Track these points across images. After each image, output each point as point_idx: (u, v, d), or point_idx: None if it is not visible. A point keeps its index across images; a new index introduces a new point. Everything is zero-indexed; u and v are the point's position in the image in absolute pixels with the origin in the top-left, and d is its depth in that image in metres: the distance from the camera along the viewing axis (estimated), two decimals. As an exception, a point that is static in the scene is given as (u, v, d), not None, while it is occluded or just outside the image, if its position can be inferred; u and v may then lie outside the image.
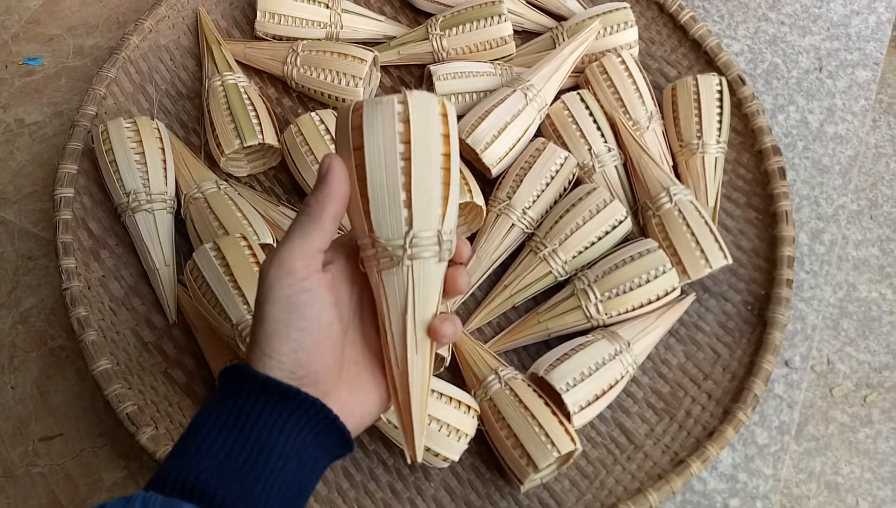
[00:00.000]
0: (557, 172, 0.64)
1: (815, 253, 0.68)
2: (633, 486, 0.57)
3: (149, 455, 0.55)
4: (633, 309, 0.59)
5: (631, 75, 0.68)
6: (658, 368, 0.62)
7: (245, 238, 0.58)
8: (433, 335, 0.40)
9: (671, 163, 0.68)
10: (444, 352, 0.59)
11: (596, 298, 0.59)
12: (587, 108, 0.67)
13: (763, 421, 0.61)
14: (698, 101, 0.67)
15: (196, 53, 0.75)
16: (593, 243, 0.61)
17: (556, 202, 0.65)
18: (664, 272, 0.59)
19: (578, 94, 0.68)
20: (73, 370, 0.63)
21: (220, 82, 0.68)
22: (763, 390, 0.59)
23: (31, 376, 0.63)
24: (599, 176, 0.66)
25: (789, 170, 0.71)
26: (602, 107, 0.68)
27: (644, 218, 0.64)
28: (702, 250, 0.60)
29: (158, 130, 0.66)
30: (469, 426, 0.55)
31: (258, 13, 0.71)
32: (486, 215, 0.64)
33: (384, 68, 0.75)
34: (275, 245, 0.62)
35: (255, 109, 0.67)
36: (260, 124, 0.66)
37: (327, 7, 0.72)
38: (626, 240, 0.63)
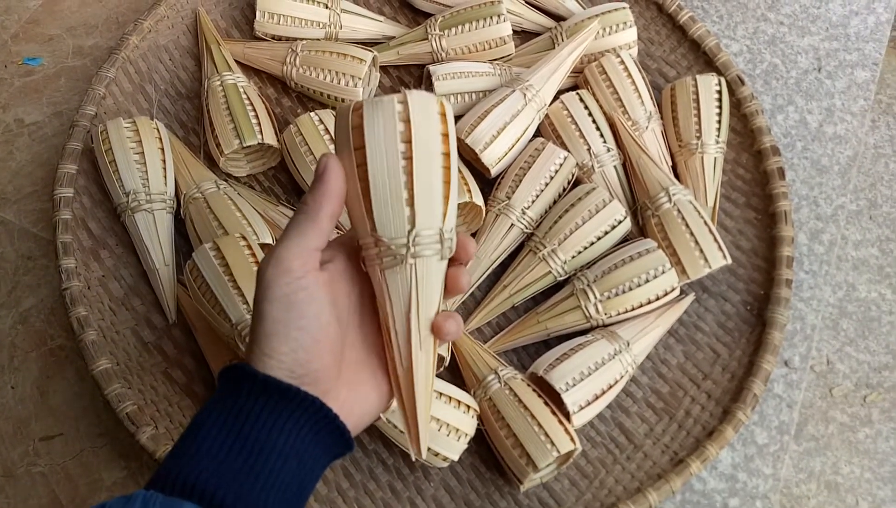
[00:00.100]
0: (556, 172, 0.64)
1: (814, 253, 0.68)
2: (633, 486, 0.57)
3: (149, 455, 0.55)
4: (633, 309, 0.59)
5: (630, 75, 0.68)
6: (657, 368, 0.62)
7: (244, 238, 0.59)
8: (437, 333, 0.40)
9: (670, 163, 0.68)
10: (444, 352, 0.59)
11: (595, 298, 0.59)
12: (586, 108, 0.67)
13: (762, 421, 0.61)
14: (697, 101, 0.67)
15: (195, 53, 0.75)
16: (592, 243, 0.61)
17: (555, 202, 0.65)
18: (663, 272, 0.59)
19: (577, 94, 0.68)
20: (72, 370, 0.63)
21: (219, 82, 0.68)
22: (762, 390, 0.59)
23: (31, 376, 0.63)
24: (598, 176, 0.66)
25: (788, 170, 0.71)
26: (601, 107, 0.68)
27: (643, 218, 0.64)
28: (701, 250, 0.60)
29: (158, 130, 0.66)
30: (469, 425, 0.55)
31: (257, 13, 0.72)
32: (486, 214, 0.64)
33: (383, 68, 0.75)
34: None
35: (254, 109, 0.67)
36: (259, 124, 0.66)
37: (326, 7, 0.72)
38: (625, 240, 0.63)
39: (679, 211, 0.62)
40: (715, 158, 0.67)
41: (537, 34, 0.75)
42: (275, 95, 0.74)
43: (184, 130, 0.71)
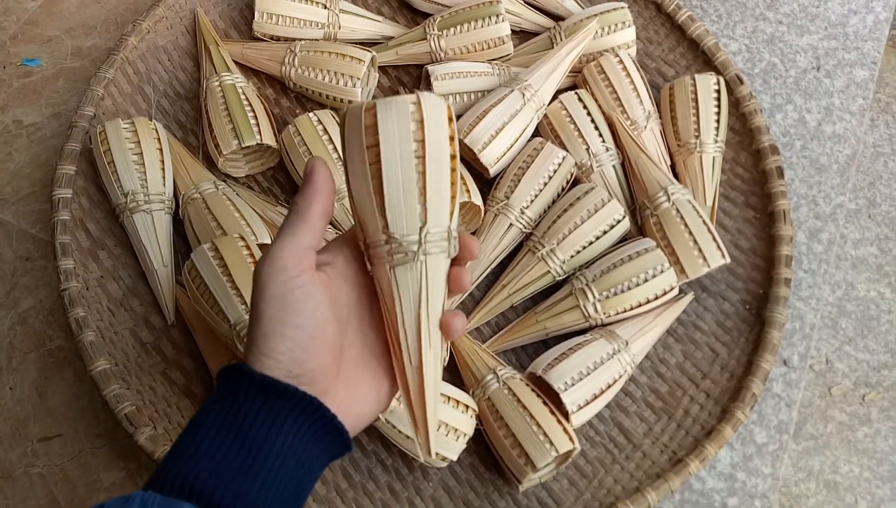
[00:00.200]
0: (555, 171, 0.64)
1: (813, 252, 0.68)
2: (632, 485, 0.57)
3: (147, 456, 0.55)
4: (632, 308, 0.59)
5: (629, 75, 0.68)
6: (656, 367, 0.62)
7: (243, 238, 0.58)
8: (446, 330, 0.40)
9: (669, 162, 0.68)
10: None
11: (594, 297, 0.59)
12: (585, 107, 0.67)
13: (762, 420, 0.61)
14: (696, 100, 0.67)
15: (194, 54, 0.75)
16: (591, 243, 0.61)
17: (554, 202, 0.65)
18: (662, 272, 0.59)
19: (576, 93, 0.68)
20: (71, 371, 0.63)
21: (217, 83, 0.68)
22: (761, 389, 0.59)
23: (29, 376, 0.63)
24: (597, 176, 0.66)
25: (787, 169, 0.71)
26: (600, 106, 0.68)
27: (642, 217, 0.64)
28: (700, 250, 0.60)
29: (156, 130, 0.66)
30: (467, 425, 0.55)
31: (256, 14, 0.72)
32: (484, 214, 0.64)
33: (382, 69, 0.75)
34: (271, 245, 0.62)
35: (252, 110, 0.67)
36: (258, 125, 0.66)
37: (325, 7, 0.72)
38: (624, 239, 0.63)
39: (678, 210, 0.62)
40: (714, 158, 0.67)
41: (536, 34, 0.75)
42: (273, 95, 0.73)
43: (182, 130, 0.71)
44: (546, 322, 0.60)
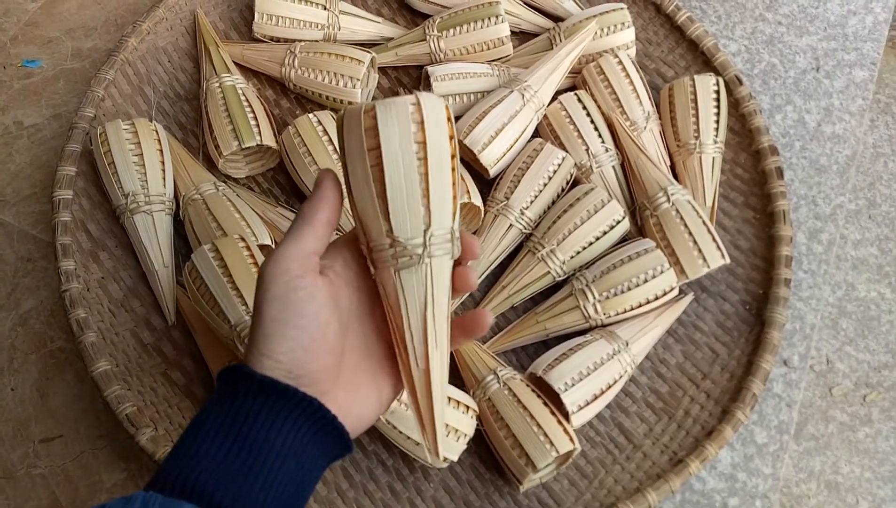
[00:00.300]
0: (555, 172, 0.64)
1: (813, 253, 0.68)
2: (632, 486, 0.57)
3: (148, 457, 0.55)
4: (632, 309, 0.59)
5: (628, 76, 0.68)
6: (656, 367, 0.62)
7: (243, 239, 0.59)
8: (478, 329, 0.41)
9: (668, 163, 0.68)
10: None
11: (594, 298, 0.59)
12: (584, 108, 0.67)
13: (762, 421, 0.61)
14: (695, 101, 0.67)
15: (194, 55, 0.75)
16: (591, 243, 0.61)
17: (553, 202, 0.65)
18: (662, 272, 0.59)
19: (576, 94, 0.68)
20: (72, 372, 0.63)
21: (217, 84, 0.68)
22: (762, 389, 0.59)
23: (30, 377, 0.63)
24: (597, 176, 0.66)
25: (787, 170, 0.71)
26: (599, 107, 0.68)
27: (642, 218, 0.65)
28: (699, 250, 0.60)
29: (157, 131, 0.66)
30: (468, 426, 0.55)
31: (256, 15, 0.72)
32: (484, 215, 0.64)
33: (382, 70, 0.75)
34: (273, 246, 0.62)
35: (252, 111, 0.67)
36: (258, 126, 0.66)
37: (325, 9, 0.72)
38: (623, 240, 0.63)
39: (677, 211, 0.62)
40: (713, 158, 0.67)
41: (535, 35, 0.75)
42: (273, 96, 0.74)
43: (182, 131, 0.71)
44: (546, 323, 0.60)
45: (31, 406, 0.62)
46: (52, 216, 0.64)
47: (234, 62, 0.72)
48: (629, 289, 0.59)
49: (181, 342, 0.62)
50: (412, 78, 0.75)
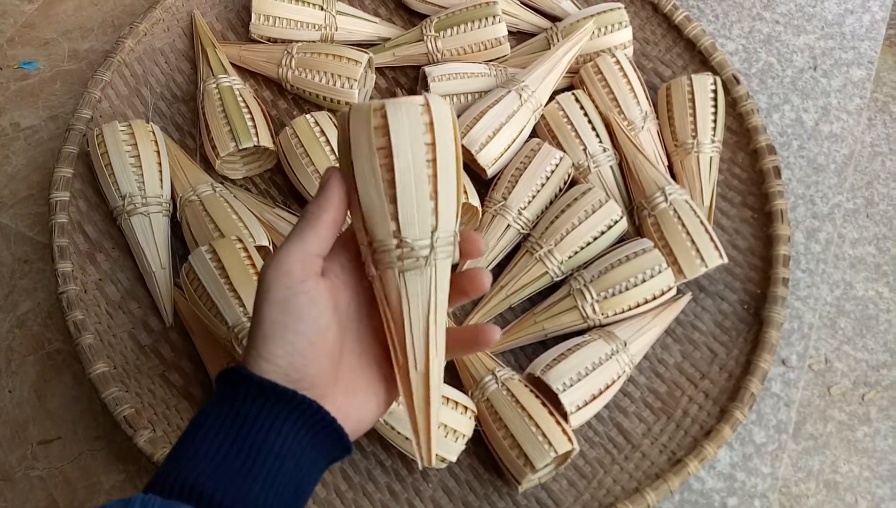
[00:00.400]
0: (553, 172, 0.64)
1: (811, 252, 0.68)
2: (631, 486, 0.57)
3: (147, 458, 0.55)
4: (630, 309, 0.59)
5: (625, 75, 0.68)
6: (655, 367, 0.62)
7: (241, 240, 0.58)
8: (483, 344, 0.41)
9: (666, 163, 0.68)
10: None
11: (592, 298, 0.59)
12: (582, 108, 0.67)
13: (760, 420, 0.61)
14: (693, 100, 0.67)
15: (191, 56, 0.75)
16: (589, 244, 0.61)
17: (551, 203, 0.65)
18: (660, 272, 0.59)
19: (573, 94, 0.68)
20: (70, 374, 0.63)
21: (215, 85, 0.68)
22: (760, 389, 0.59)
23: (28, 379, 0.63)
24: (595, 176, 0.66)
25: (784, 169, 0.71)
26: (597, 107, 0.68)
27: (639, 218, 0.65)
28: (697, 250, 0.60)
29: (154, 133, 0.66)
30: (466, 426, 0.55)
31: (253, 15, 0.72)
32: (482, 216, 0.64)
33: (379, 70, 0.75)
34: (270, 248, 0.62)
35: (250, 112, 0.67)
36: (255, 127, 0.66)
37: (322, 9, 0.72)
38: (621, 240, 0.63)
39: (675, 211, 0.62)
40: (711, 158, 0.67)
41: (533, 35, 0.75)
42: (270, 97, 0.73)
43: (180, 133, 0.71)
44: (544, 323, 0.60)
45: (29, 408, 0.62)
46: (48, 218, 0.64)
47: (230, 63, 0.72)
48: (627, 289, 0.59)
49: (179, 344, 0.62)
50: (409, 78, 0.75)
